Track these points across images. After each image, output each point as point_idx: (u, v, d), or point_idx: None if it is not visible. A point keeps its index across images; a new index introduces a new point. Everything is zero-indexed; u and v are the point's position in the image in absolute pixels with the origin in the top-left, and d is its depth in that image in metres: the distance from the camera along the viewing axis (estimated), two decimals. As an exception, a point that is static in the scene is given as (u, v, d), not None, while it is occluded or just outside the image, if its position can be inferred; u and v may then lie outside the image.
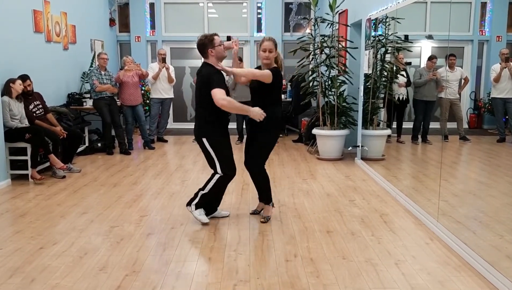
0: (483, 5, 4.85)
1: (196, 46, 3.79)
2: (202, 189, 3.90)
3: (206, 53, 3.73)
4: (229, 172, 3.85)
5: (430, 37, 5.48)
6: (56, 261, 3.24)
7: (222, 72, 3.77)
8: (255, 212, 4.24)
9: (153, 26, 10.01)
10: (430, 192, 4.34)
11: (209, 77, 3.65)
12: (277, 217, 3.94)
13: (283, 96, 8.11)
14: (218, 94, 3.58)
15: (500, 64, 3.94)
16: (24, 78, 5.66)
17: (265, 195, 4.10)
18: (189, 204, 3.97)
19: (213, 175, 3.88)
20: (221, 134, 3.86)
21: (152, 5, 9.92)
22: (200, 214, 3.95)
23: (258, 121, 3.71)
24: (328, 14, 6.93)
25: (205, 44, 3.71)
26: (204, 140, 3.80)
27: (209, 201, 3.99)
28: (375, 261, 3.23)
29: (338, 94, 6.81)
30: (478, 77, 5.05)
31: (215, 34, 3.77)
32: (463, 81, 4.98)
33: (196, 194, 3.94)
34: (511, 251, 3.20)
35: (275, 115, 3.89)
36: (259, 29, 9.99)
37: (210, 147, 3.79)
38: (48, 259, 3.26)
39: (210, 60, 3.75)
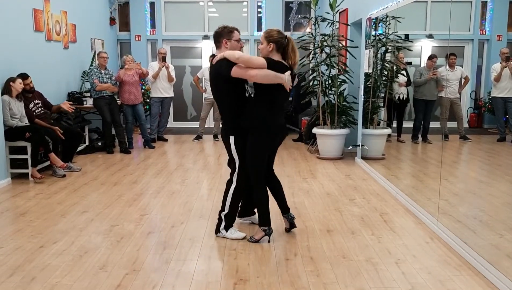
0: (484, 4, 4.85)
1: (213, 36, 3.57)
2: (222, 210, 3.62)
3: (220, 42, 3.47)
4: (244, 181, 3.54)
5: (430, 36, 5.48)
6: (56, 259, 3.24)
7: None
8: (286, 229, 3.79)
9: (153, 25, 10.01)
10: (430, 191, 4.34)
11: (220, 66, 3.33)
12: (277, 216, 3.94)
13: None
14: (239, 69, 3.24)
15: (501, 63, 3.94)
16: (24, 76, 5.66)
17: (260, 216, 3.60)
18: (217, 231, 3.66)
19: (226, 191, 3.60)
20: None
21: (152, 4, 9.91)
22: (233, 233, 3.63)
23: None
24: (328, 13, 6.92)
25: (223, 33, 3.47)
26: (231, 138, 3.47)
27: (234, 215, 3.68)
28: (375, 260, 3.24)
29: (338, 93, 6.80)
30: (478, 77, 5.04)
31: (236, 29, 3.55)
32: (463, 80, 4.98)
33: (219, 219, 3.65)
34: (511, 250, 3.20)
35: (261, 116, 3.40)
36: (259, 28, 9.98)
37: (235, 148, 3.47)
38: (48, 258, 3.27)
39: (222, 51, 3.42)
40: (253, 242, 3.53)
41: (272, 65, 3.27)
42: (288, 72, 3.30)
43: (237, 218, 3.79)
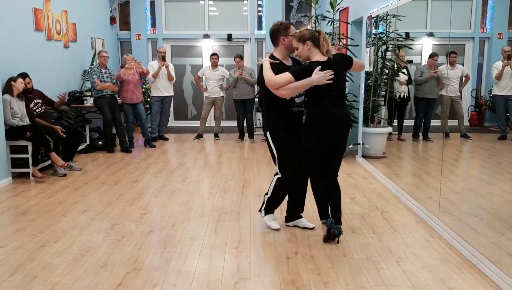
0: (484, 2, 4.84)
1: (269, 33, 3.60)
2: (267, 193, 3.79)
3: (278, 40, 3.51)
4: (286, 173, 3.60)
5: (431, 34, 5.47)
6: (57, 259, 3.24)
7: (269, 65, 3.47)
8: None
9: (153, 24, 10.00)
10: (431, 190, 4.34)
11: (261, 71, 3.48)
12: (277, 215, 3.94)
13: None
14: (270, 87, 3.38)
15: (502, 61, 3.93)
16: (23, 76, 5.66)
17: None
18: (260, 210, 3.87)
19: (273, 177, 3.74)
20: (286, 130, 3.56)
21: (152, 3, 9.90)
22: (270, 219, 3.80)
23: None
24: (329, 11, 6.91)
25: (280, 30, 3.50)
26: (268, 134, 3.62)
27: (275, 202, 3.81)
28: (376, 258, 3.23)
29: (339, 92, 6.79)
30: (479, 75, 5.04)
31: (292, 24, 3.58)
32: (464, 78, 4.98)
33: (264, 199, 3.84)
34: (512, 249, 3.20)
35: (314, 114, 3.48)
36: (259, 27, 9.97)
37: (272, 142, 3.60)
38: (49, 257, 3.27)
39: (280, 49, 3.53)
40: (327, 241, 3.50)
41: (298, 75, 3.33)
42: (318, 68, 3.31)
43: (285, 223, 3.87)
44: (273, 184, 3.72)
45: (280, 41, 3.51)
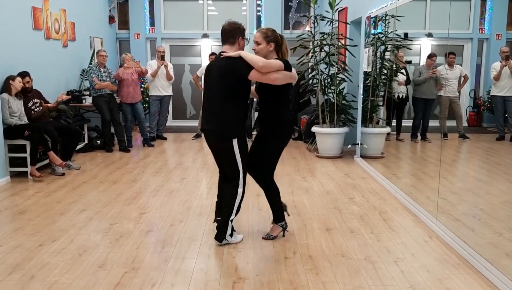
0: (483, 3, 4.84)
1: (223, 30, 3.40)
2: (229, 215, 3.42)
3: (236, 39, 3.37)
4: (245, 184, 3.44)
5: (430, 35, 5.48)
6: (56, 258, 3.24)
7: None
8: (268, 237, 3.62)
9: (152, 24, 10.00)
10: (429, 190, 4.34)
11: (235, 63, 3.24)
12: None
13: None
14: (258, 74, 3.21)
15: (501, 62, 3.94)
16: (23, 75, 5.65)
17: (275, 213, 3.60)
18: (222, 239, 3.44)
19: (233, 194, 3.41)
20: (245, 134, 3.47)
21: (151, 2, 9.90)
22: (236, 237, 3.52)
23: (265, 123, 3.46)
24: (327, 11, 6.92)
25: (240, 30, 3.39)
26: (235, 141, 3.29)
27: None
28: (374, 258, 3.24)
29: (337, 92, 6.80)
30: (477, 75, 5.04)
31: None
32: (462, 79, 4.98)
33: (225, 226, 3.43)
34: (510, 249, 3.20)
35: (285, 116, 3.47)
36: (258, 27, 9.97)
37: (239, 152, 3.32)
38: (48, 256, 3.27)
39: (234, 49, 3.36)
40: (271, 239, 3.56)
41: (285, 65, 3.29)
42: (294, 69, 3.35)
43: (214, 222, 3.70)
44: (237, 203, 3.43)
45: (238, 40, 3.39)
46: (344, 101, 6.89)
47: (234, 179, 3.40)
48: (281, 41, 3.40)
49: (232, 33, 3.38)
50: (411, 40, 5.84)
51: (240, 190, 3.42)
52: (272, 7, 9.79)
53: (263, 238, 3.59)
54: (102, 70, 7.21)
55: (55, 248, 3.42)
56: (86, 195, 4.85)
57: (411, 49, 6.00)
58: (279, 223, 3.60)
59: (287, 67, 3.30)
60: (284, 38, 3.44)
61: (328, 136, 6.77)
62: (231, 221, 3.46)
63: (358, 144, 6.49)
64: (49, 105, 6.10)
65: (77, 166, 6.06)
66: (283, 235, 3.61)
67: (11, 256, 3.28)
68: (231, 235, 3.48)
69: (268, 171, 3.52)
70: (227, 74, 3.28)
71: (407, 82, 6.07)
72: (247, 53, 3.28)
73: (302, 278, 2.95)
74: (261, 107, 3.54)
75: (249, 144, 3.52)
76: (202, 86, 8.89)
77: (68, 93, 7.40)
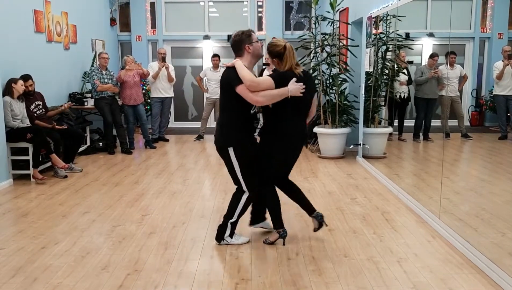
0: (485, 2, 4.84)
1: (230, 44, 3.40)
2: (230, 217, 3.47)
3: (243, 49, 3.31)
4: (255, 189, 3.42)
5: (431, 34, 5.47)
6: (58, 260, 3.24)
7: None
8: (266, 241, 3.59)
9: (153, 26, 10.01)
10: (431, 190, 4.34)
11: (230, 74, 3.23)
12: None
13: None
14: (244, 91, 3.14)
15: (503, 61, 3.93)
16: (26, 78, 5.67)
17: (272, 219, 3.57)
18: (220, 239, 3.50)
19: (238, 198, 3.45)
20: (251, 143, 3.41)
21: (152, 4, 9.91)
22: (238, 238, 3.55)
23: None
24: (329, 12, 6.92)
25: (243, 39, 3.31)
26: (231, 150, 3.31)
27: (237, 222, 3.56)
28: (377, 259, 3.23)
29: (339, 92, 6.80)
30: (479, 75, 5.03)
31: (252, 31, 3.39)
32: (462, 78, 4.98)
33: (223, 226, 3.49)
34: (513, 249, 3.19)
35: (286, 130, 3.36)
36: (259, 28, 9.97)
37: (237, 160, 3.32)
38: (50, 259, 3.27)
39: (245, 58, 3.31)
40: (268, 244, 3.52)
41: (278, 81, 3.21)
42: (293, 80, 3.23)
43: (249, 226, 3.75)
44: (240, 207, 3.44)
45: (245, 49, 3.31)
46: (346, 102, 6.88)
47: (239, 186, 3.44)
48: (284, 52, 3.28)
49: (236, 45, 3.35)
50: (413, 40, 5.83)
51: (244, 196, 3.42)
52: (273, 8, 9.79)
53: (263, 242, 3.57)
54: (103, 72, 7.22)
55: (57, 250, 3.42)
56: (89, 197, 4.85)
57: (412, 49, 5.99)
58: (277, 230, 3.51)
59: (280, 82, 3.20)
60: (288, 48, 3.27)
61: (330, 136, 6.77)
62: (231, 223, 3.48)
63: (360, 144, 6.49)
64: (51, 112, 6.21)
65: (80, 169, 6.07)
66: (283, 244, 3.50)
67: (14, 258, 3.28)
68: (230, 235, 3.50)
69: (267, 177, 3.43)
70: (224, 84, 3.32)
71: (409, 82, 6.07)
72: (241, 67, 3.20)
73: (305, 279, 2.94)
74: (263, 118, 3.49)
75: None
76: (205, 88, 8.94)
77: (70, 96, 7.43)
